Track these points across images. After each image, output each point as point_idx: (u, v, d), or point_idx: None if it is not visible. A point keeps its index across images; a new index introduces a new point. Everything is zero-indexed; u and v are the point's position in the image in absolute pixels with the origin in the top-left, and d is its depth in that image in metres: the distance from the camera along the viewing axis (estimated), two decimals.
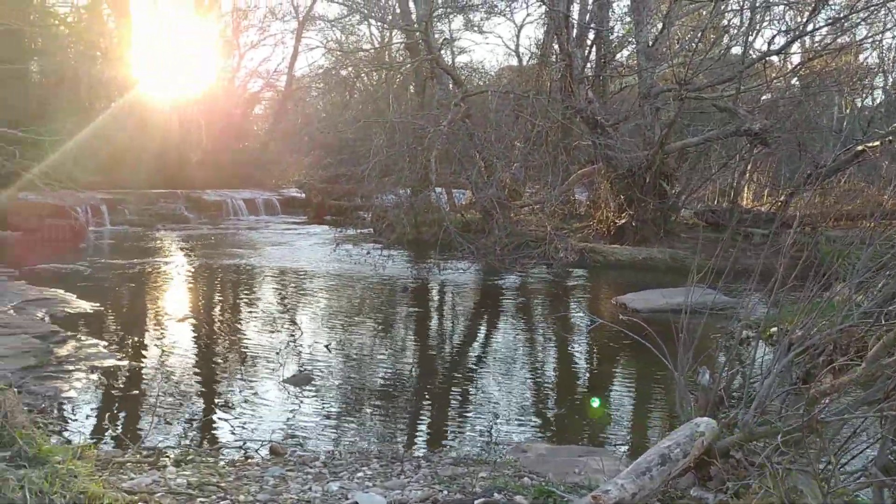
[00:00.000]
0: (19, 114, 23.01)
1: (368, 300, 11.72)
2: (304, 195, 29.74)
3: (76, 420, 5.65)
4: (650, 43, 15.09)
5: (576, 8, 16.69)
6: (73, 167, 22.34)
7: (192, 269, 14.17)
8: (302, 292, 12.13)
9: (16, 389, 4.13)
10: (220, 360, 7.67)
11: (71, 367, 6.81)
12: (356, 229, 20.26)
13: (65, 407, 5.88)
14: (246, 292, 12.24)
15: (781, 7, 16.32)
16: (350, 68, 28.35)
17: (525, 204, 16.95)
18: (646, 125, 15.22)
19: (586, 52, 16.32)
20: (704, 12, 17.17)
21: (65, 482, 3.27)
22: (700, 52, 14.54)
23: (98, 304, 10.03)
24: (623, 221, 15.28)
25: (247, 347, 8.13)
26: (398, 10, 21.03)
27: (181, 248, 17.75)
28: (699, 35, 14.97)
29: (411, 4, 19.28)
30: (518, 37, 34.17)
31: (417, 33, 15.71)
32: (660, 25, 15.53)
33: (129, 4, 29.82)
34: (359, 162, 25.27)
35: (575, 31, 15.38)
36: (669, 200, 15.39)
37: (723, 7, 15.35)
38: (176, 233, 21.38)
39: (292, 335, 8.78)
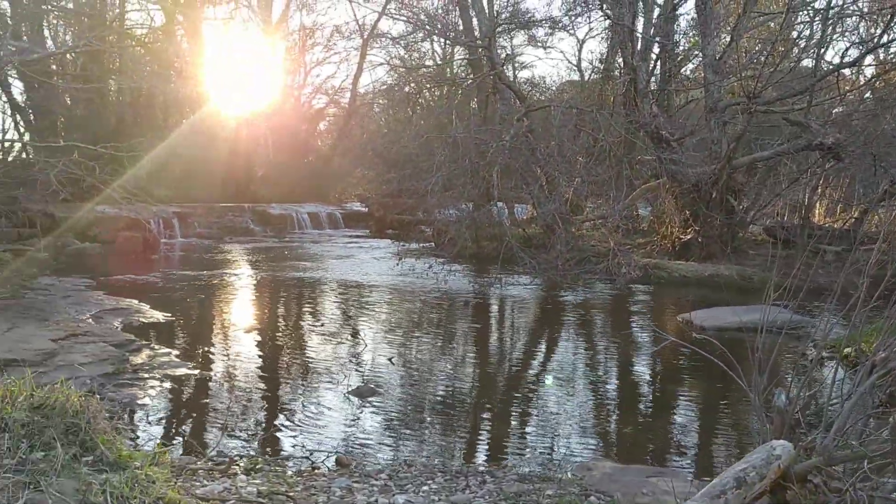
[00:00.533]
0: (98, 130, 24.10)
1: (429, 314, 11.78)
2: (366, 209, 30.21)
3: (150, 426, 5.84)
4: (717, 56, 14.82)
5: (640, 21, 16.53)
6: (147, 181, 23.24)
7: (258, 282, 14.51)
8: (364, 305, 12.28)
9: (98, 396, 4.30)
10: (285, 371, 7.81)
11: (145, 375, 7.04)
12: (418, 243, 20.45)
13: (139, 413, 6.08)
14: (310, 304, 12.47)
15: (854, 18, 15.82)
16: (412, 84, 28.71)
17: (587, 219, 16.81)
18: (712, 139, 14.92)
19: (651, 65, 16.12)
20: (773, 24, 16.80)
21: (143, 487, 3.38)
22: (770, 64, 14.19)
23: (170, 315, 10.36)
24: (688, 237, 14.99)
25: (311, 358, 8.27)
26: (461, 27, 21.24)
27: (247, 261, 18.22)
28: (769, 48, 14.62)
29: (474, 21, 19.44)
30: (580, 51, 33.95)
31: (480, 49, 15.81)
32: (727, 38, 15.24)
33: (202, 24, 30.93)
34: (421, 177, 25.49)
35: (640, 44, 15.20)
36: (737, 216, 15.03)
37: (793, 19, 14.99)
38: (243, 245, 21.97)
39: (355, 347, 8.88)
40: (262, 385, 7.14)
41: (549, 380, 7.29)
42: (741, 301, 11.25)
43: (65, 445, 3.50)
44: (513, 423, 6.47)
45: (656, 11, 16.66)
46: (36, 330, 8.00)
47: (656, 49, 16.97)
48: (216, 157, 29.06)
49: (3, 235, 17.77)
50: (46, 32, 27.95)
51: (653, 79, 16.17)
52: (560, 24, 18.30)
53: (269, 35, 33.98)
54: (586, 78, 25.32)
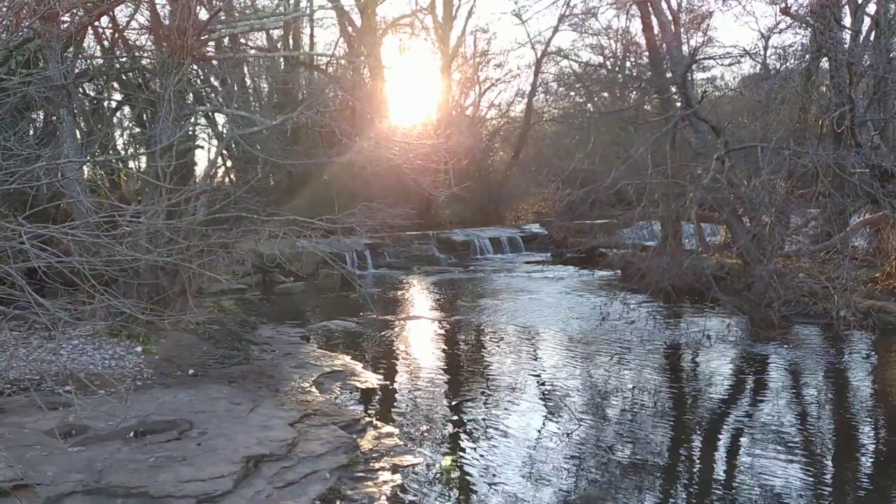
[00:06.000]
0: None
1: (623, 360, 11.42)
2: (545, 231, 30.12)
3: None
4: None
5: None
6: (338, 213, 24.51)
7: (454, 329, 14.76)
8: (572, 359, 12.06)
9: None
10: (512, 457, 7.75)
11: (376, 466, 7.38)
12: (604, 270, 20.14)
13: None
14: (512, 359, 12.22)
15: None
16: (589, 110, 28.15)
17: (793, 253, 15.61)
18: None
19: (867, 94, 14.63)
20: None
21: None
22: None
23: (380, 377, 10.87)
24: None
25: (534, 435, 8.25)
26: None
27: (437, 300, 18.77)
28: None
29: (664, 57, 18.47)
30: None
31: (674, 87, 15.21)
32: None
33: (381, 59, 32.32)
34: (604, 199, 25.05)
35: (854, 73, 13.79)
36: None
37: None
38: (430, 277, 22.67)
39: (579, 425, 8.76)
40: (495, 478, 7.14)
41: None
42: None
43: None
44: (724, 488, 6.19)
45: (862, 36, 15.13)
46: (273, 409, 8.65)
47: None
48: (399, 184, 30.16)
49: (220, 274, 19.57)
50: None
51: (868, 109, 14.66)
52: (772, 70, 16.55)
53: (446, 60, 34.86)
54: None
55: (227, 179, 29.56)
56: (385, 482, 7.03)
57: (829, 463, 7.45)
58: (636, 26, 25.38)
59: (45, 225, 6.52)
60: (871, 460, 7.51)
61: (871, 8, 15.65)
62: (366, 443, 8.01)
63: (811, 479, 6.82)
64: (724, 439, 8.28)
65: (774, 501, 6.29)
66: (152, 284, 12.14)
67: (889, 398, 9.71)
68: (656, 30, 17.84)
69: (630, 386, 10.45)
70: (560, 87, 34.47)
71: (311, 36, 35.75)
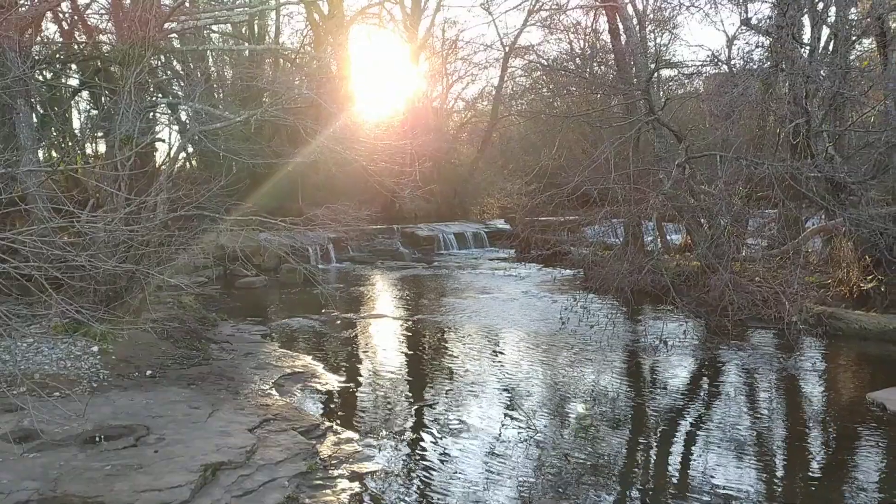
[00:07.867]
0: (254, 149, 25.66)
1: (583, 364, 11.55)
2: (509, 227, 30.30)
3: None
4: None
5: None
6: (301, 205, 24.51)
7: (417, 329, 14.82)
8: (526, 358, 12.18)
9: None
10: (474, 453, 7.86)
11: (335, 473, 7.40)
12: (566, 269, 20.36)
13: None
14: (474, 363, 12.28)
15: None
16: (557, 108, 28.35)
17: (748, 258, 15.97)
18: None
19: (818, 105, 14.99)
20: None
21: None
22: None
23: (342, 379, 10.87)
24: (870, 285, 13.87)
25: (499, 441, 8.35)
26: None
27: (400, 298, 18.77)
28: None
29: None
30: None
31: (637, 92, 15.41)
32: None
33: (348, 51, 32.08)
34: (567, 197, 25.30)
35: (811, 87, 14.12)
36: None
37: None
38: (393, 273, 22.63)
39: (543, 432, 8.87)
40: (454, 484, 7.17)
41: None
42: None
43: None
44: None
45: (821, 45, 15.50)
46: (233, 414, 8.61)
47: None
48: (364, 178, 30.05)
49: (182, 268, 19.31)
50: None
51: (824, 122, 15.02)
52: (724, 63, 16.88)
53: (414, 52, 34.74)
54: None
55: (188, 165, 29.18)
56: (343, 490, 7.07)
57: (779, 465, 7.79)
58: (604, 23, 25.64)
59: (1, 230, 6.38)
60: (819, 463, 7.82)
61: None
62: (325, 449, 8.03)
63: (762, 480, 7.18)
64: (677, 442, 8.53)
65: (726, 503, 6.56)
66: (110, 286, 11.93)
67: (836, 402, 10.02)
68: (622, 30, 18.02)
69: (588, 390, 10.61)
70: (527, 82, 34.60)
71: (277, 22, 35.39)
